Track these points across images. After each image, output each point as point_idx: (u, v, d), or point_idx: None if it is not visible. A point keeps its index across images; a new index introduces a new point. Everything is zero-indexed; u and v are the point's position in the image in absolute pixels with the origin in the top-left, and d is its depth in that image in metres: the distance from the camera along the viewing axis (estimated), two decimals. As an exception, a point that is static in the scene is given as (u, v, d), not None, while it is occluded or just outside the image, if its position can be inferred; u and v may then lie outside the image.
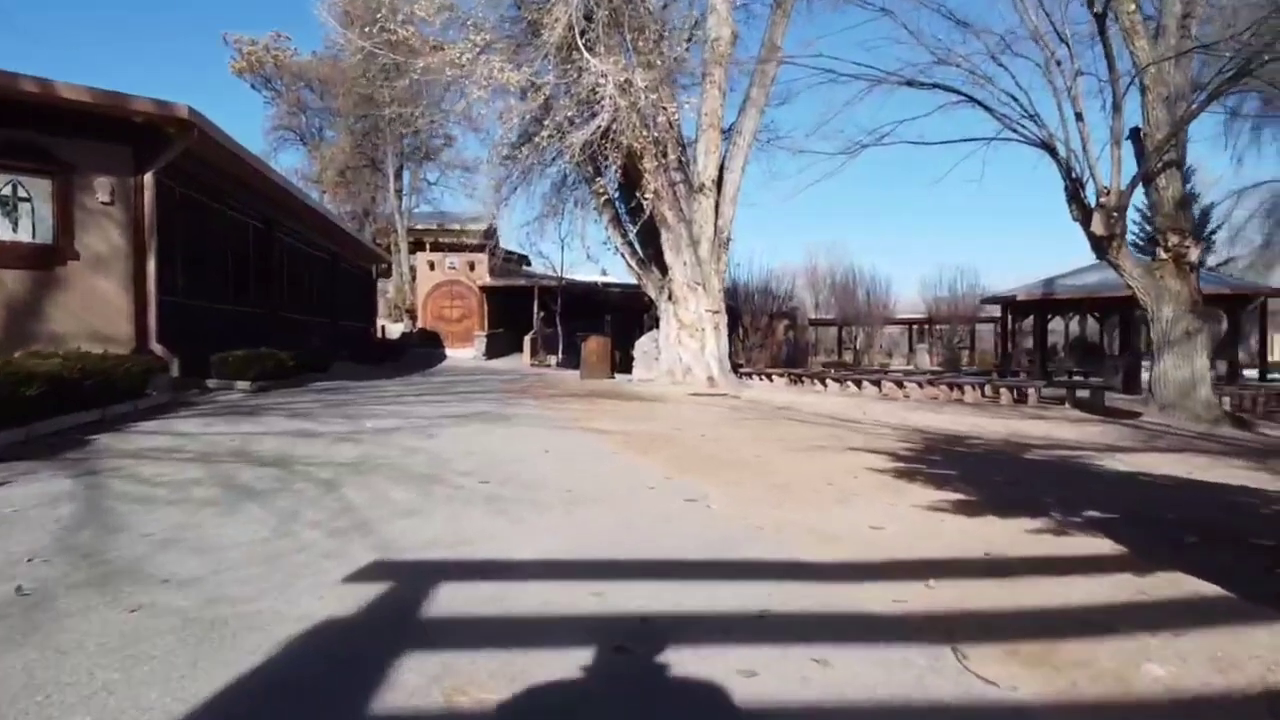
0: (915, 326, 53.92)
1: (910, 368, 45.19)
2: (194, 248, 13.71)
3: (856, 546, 4.02)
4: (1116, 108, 14.30)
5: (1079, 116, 14.80)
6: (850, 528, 4.43)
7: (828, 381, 22.65)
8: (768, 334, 38.54)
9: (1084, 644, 2.68)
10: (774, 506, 4.99)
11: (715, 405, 14.17)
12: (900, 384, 20.91)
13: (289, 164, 44.72)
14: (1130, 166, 14.79)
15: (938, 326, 50.26)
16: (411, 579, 3.36)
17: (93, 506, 4.50)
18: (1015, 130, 15.74)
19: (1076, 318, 41.39)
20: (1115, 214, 14.59)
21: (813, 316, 47.13)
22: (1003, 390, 19.35)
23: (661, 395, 15.63)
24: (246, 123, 65.49)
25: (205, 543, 3.85)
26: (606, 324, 37.39)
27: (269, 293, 17.30)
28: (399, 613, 3.02)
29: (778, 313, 41.36)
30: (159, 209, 11.45)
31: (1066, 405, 18.29)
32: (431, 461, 6.21)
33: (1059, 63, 14.89)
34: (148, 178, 11.13)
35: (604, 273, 34.40)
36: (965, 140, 16.59)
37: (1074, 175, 15.27)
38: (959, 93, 16.27)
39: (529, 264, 43.56)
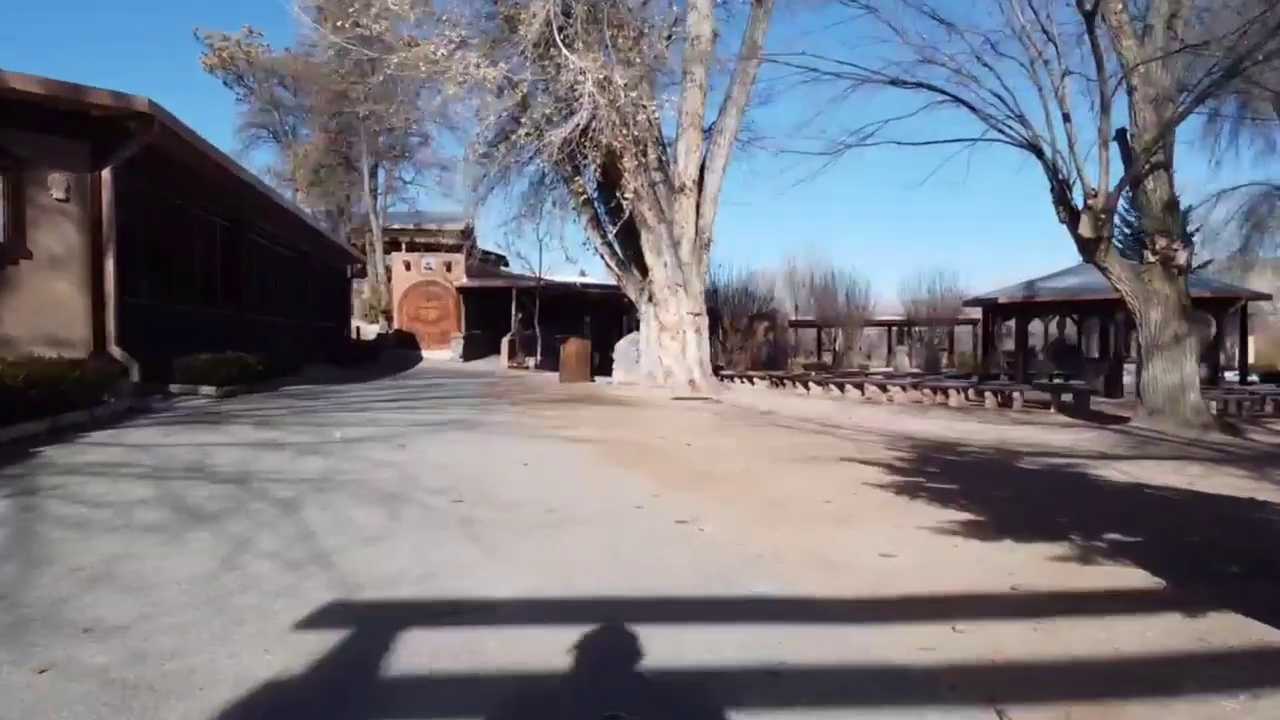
0: (894, 328, 53.98)
1: (890, 369, 45.06)
2: (157, 247, 13.19)
3: (867, 578, 3.66)
4: (1104, 108, 14.06)
5: (1066, 117, 14.55)
6: (857, 555, 4.07)
7: (810, 385, 22.36)
8: (748, 336, 38.29)
9: (1150, 708, 2.32)
10: (771, 528, 4.62)
11: (698, 410, 13.81)
12: (884, 387, 20.65)
13: (262, 162, 43.94)
14: (1118, 169, 14.57)
15: (917, 328, 50.26)
16: (373, 625, 2.96)
17: (21, 534, 4.05)
18: (1001, 131, 15.46)
19: (1055, 320, 41.36)
20: (1103, 216, 14.35)
21: (792, 318, 46.85)
22: (987, 394, 19.15)
23: (643, 400, 15.26)
24: (218, 122, 64.58)
25: (142, 579, 3.43)
26: (586, 325, 36.96)
27: (238, 294, 16.76)
28: (356, 670, 2.61)
29: (758, 314, 41.10)
30: (119, 206, 10.93)
31: (1052, 409, 18.07)
32: (401, 477, 5.80)
33: (1046, 62, 14.63)
34: (106, 174, 10.61)
35: (583, 274, 33.97)
36: (950, 141, 16.32)
37: (1061, 177, 15.02)
38: (944, 93, 15.99)
39: (507, 264, 43.04)
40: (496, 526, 4.51)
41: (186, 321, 14.15)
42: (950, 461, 8.65)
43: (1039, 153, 15.15)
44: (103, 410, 8.97)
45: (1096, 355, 36.31)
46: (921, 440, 10.94)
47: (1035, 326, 40.15)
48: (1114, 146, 14.45)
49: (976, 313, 49.55)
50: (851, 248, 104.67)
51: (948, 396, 19.48)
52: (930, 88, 16.09)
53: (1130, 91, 14.54)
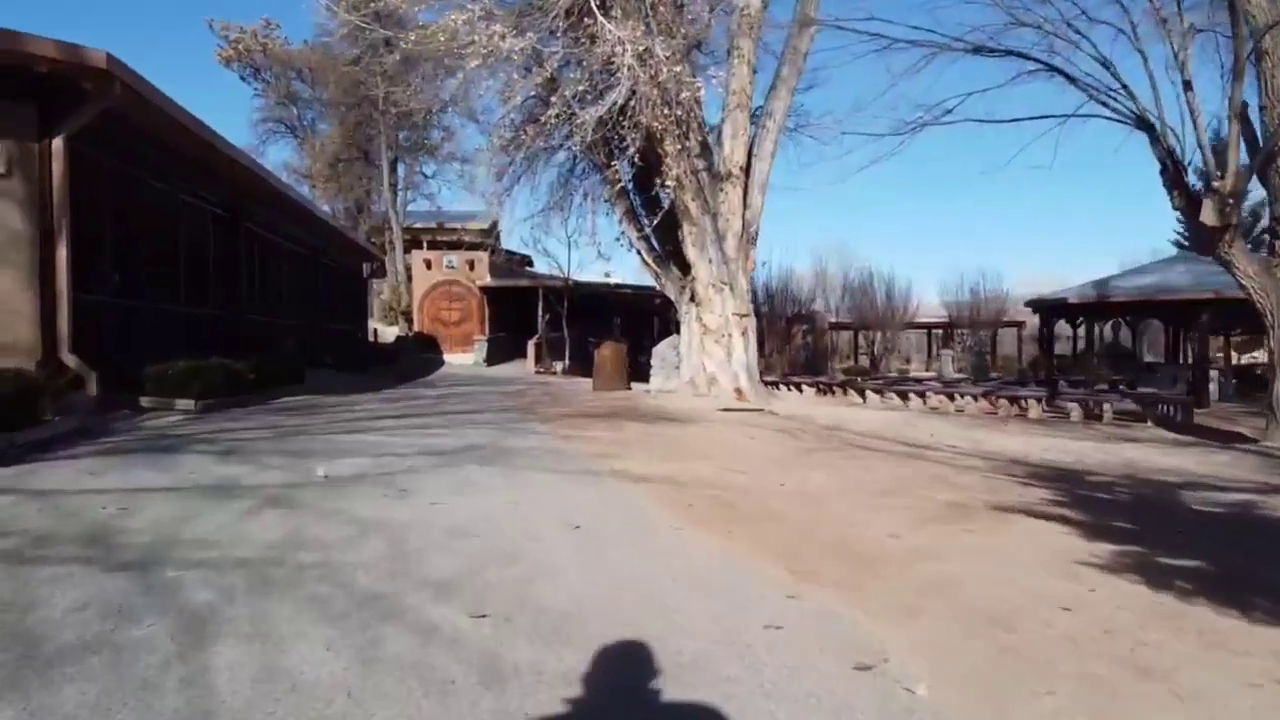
0: (932, 331, 51.67)
1: (931, 374, 42.89)
2: (130, 236, 11.35)
3: None
4: (1238, 73, 11.94)
5: (1187, 85, 12.45)
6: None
7: (866, 393, 20.29)
8: (787, 339, 36.26)
9: None
10: (1036, 693, 2.64)
11: (758, 426, 11.84)
12: (951, 396, 18.56)
13: (278, 158, 42.30)
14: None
15: (959, 331, 47.98)
16: None
17: None
18: (1105, 104, 13.40)
19: (1108, 323, 38.84)
20: (1230, 201, 12.21)
21: (832, 320, 44.69)
22: (1070, 404, 17.03)
23: (691, 413, 13.28)
24: (235, 117, 63.25)
25: None
26: (616, 327, 35.05)
27: (233, 293, 14.93)
28: None
29: (795, 316, 39.08)
30: (75, 184, 9.09)
31: (1148, 423, 15.99)
32: (393, 558, 3.84)
33: (1164, 20, 12.56)
34: (57, 144, 8.75)
35: (607, 275, 31.97)
36: (1039, 118, 14.21)
37: (1175, 157, 12.93)
38: (1037, 60, 13.93)
39: (532, 265, 41.25)
40: (545, 683, 2.55)
41: (167, 323, 12.32)
42: (1113, 504, 6.64)
43: (1149, 128, 13.05)
44: (36, 434, 7.10)
45: (1151, 360, 33.93)
46: (1038, 467, 8.95)
47: (1074, 330, 37.70)
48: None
49: (1021, 315, 47.48)
50: (884, 247, 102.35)
51: (1024, 407, 17.40)
52: (1021, 55, 14.01)
53: (1259, 58, 12.39)
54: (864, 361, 46.57)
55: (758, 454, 8.36)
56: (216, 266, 14.30)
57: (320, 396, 12.90)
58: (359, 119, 38.14)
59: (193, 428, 8.50)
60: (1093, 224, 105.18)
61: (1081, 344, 39.21)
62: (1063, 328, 33.81)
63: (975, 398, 18.31)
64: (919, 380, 27.42)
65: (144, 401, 9.75)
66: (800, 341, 38.76)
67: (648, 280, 21.55)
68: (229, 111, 72.35)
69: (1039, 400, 17.56)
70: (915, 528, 4.97)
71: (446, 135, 40.26)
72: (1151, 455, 10.90)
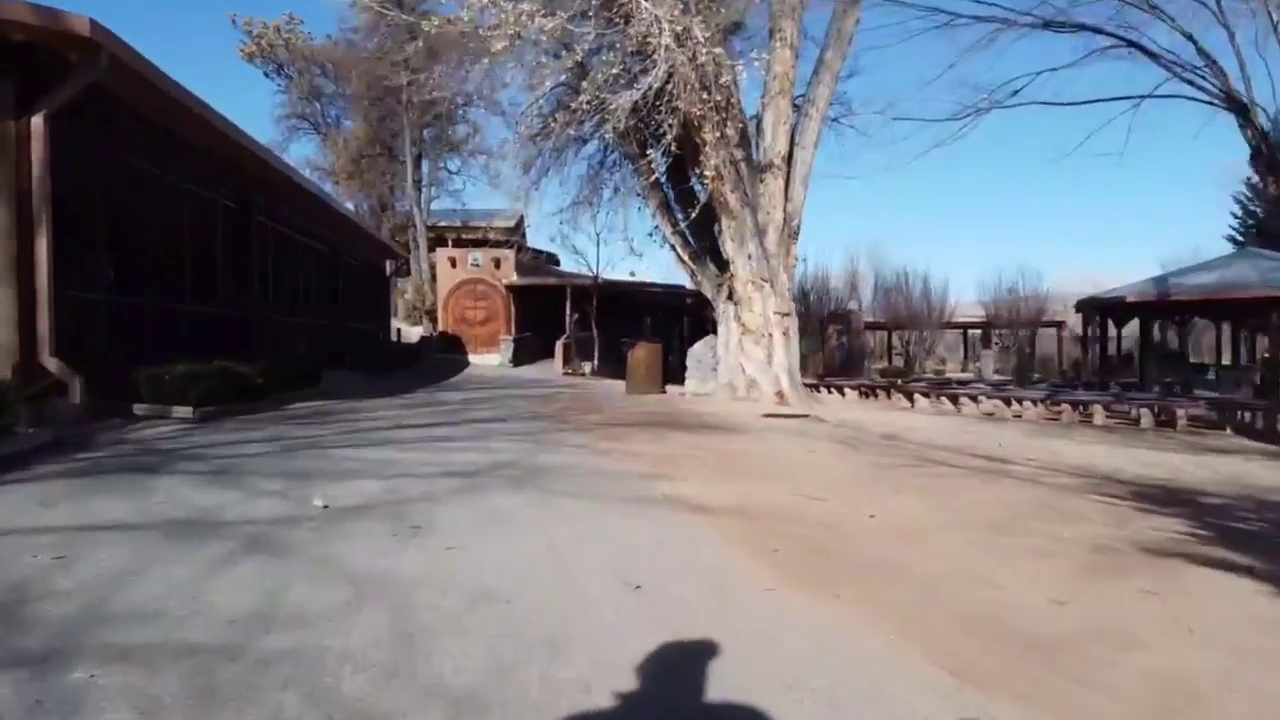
0: (970, 331, 50.20)
1: (968, 375, 41.49)
2: (128, 229, 10.42)
3: None
4: (1350, 41, 10.74)
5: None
6: None
7: (913, 396, 19.09)
8: (822, 339, 35.05)
9: None
10: None
11: (811, 436, 10.76)
12: (1007, 400, 17.33)
13: (301, 155, 41.51)
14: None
15: (998, 331, 46.49)
16: None
17: None
18: (1190, 82, 12.21)
19: (1157, 323, 37.11)
20: (1337, 185, 10.98)
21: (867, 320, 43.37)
22: (1140, 410, 15.77)
23: (735, 420, 12.21)
24: (258, 114, 62.77)
25: None
26: (646, 327, 33.98)
27: (244, 290, 14.00)
28: None
29: (830, 316, 37.87)
30: (60, 169, 8.17)
31: (1227, 430, 14.73)
32: (393, 641, 2.79)
33: (1260, -13, 11.36)
34: (36, 122, 7.81)
35: (632, 274, 30.90)
36: (1112, 100, 13.05)
37: (1269, 140, 11.71)
38: (1113, 35, 12.80)
39: (558, 263, 40.31)
40: None
41: (172, 323, 11.39)
42: (1264, 537, 5.50)
43: (1239, 109, 11.85)
44: (4, 448, 6.17)
45: (1197, 362, 32.33)
46: (1140, 486, 7.79)
47: (1114, 330, 36.12)
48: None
49: (1060, 315, 45.91)
50: (916, 243, 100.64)
51: (1087, 412, 16.17)
52: (1095, 30, 12.88)
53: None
54: (898, 362, 45.29)
55: (825, 472, 7.27)
56: (226, 262, 13.39)
57: (335, 402, 11.95)
58: (382, 114, 37.32)
59: (186, 440, 7.53)
60: (1129, 222, 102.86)
61: (1125, 345, 37.82)
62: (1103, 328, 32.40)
63: (1034, 402, 17.06)
64: (964, 383, 26.16)
65: (137, 409, 8.83)
66: (835, 342, 37.57)
67: (676, 279, 20.55)
68: (252, 109, 71.92)
69: (1104, 405, 16.30)
70: (1070, 585, 3.85)
71: (472, 130, 39.36)
72: (1253, 469, 9.73)
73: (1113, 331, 37.21)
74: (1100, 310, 26.36)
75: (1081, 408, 16.48)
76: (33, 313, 7.83)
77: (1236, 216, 34.50)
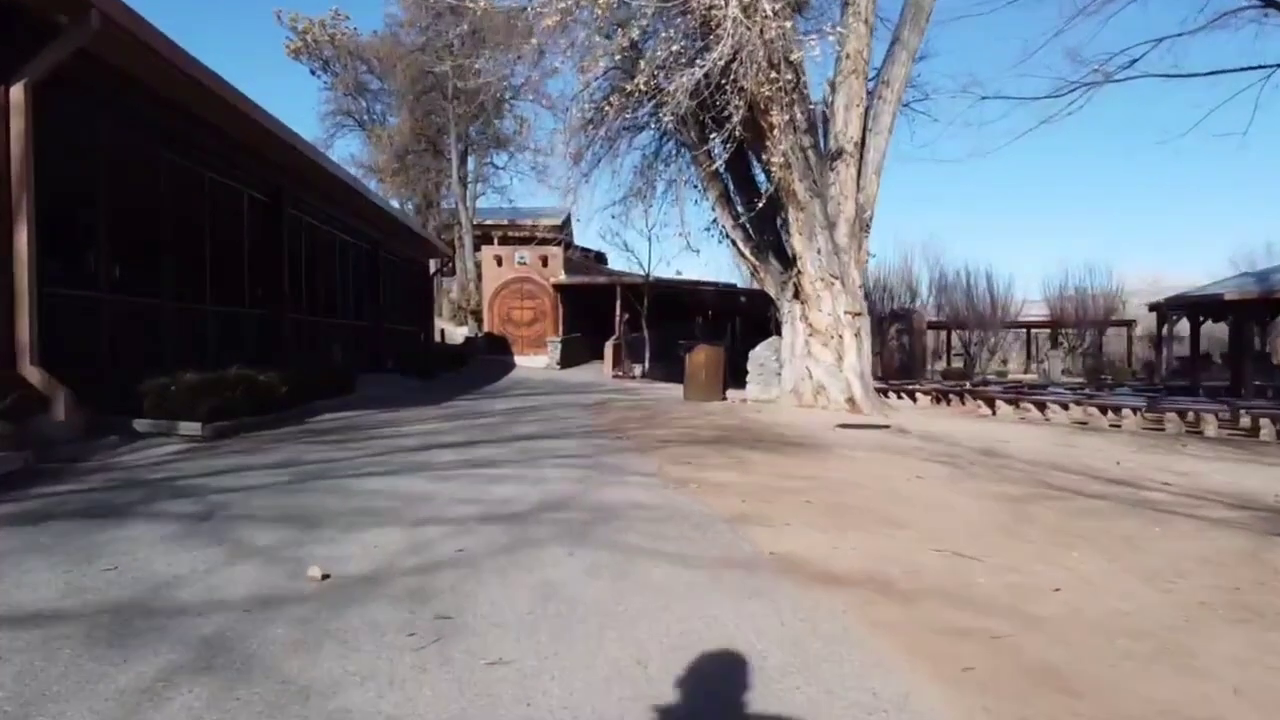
0: (1033, 331, 48.06)
1: (1032, 377, 39.54)
2: (139, 220, 9.36)
3: None
4: None
5: None
6: None
7: (995, 403, 17.49)
8: (883, 340, 33.33)
9: None
10: None
11: (902, 453, 9.36)
12: (1105, 409, 15.67)
13: (345, 152, 40.89)
14: None
15: (1064, 331, 44.34)
16: None
17: None
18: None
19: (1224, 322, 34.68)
20: None
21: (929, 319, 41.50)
22: (1261, 419, 14.03)
23: (810, 432, 10.85)
24: (305, 112, 62.47)
25: None
26: (697, 328, 32.70)
27: (274, 290, 12.91)
28: None
29: (891, 315, 36.18)
30: (50, 149, 7.08)
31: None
32: None
33: None
34: (15, 92, 6.68)
35: (678, 272, 29.64)
36: (1243, 69, 11.41)
37: None
38: (1247, -5, 11.18)
39: (605, 261, 39.20)
40: None
41: (191, 326, 10.32)
42: None
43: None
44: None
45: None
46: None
47: (1183, 329, 33.87)
48: None
49: (1130, 313, 43.66)
50: (972, 237, 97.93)
51: (1196, 422, 14.52)
52: (1227, -12, 11.26)
53: None
54: (957, 363, 43.42)
55: (950, 510, 5.86)
56: (254, 259, 12.30)
57: (369, 412, 10.78)
58: (428, 109, 36.46)
59: (182, 466, 6.36)
60: (1191, 218, 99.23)
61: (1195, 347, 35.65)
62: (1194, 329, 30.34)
63: (1134, 410, 15.38)
64: (1038, 387, 24.39)
65: (139, 425, 7.71)
66: (896, 343, 35.81)
67: (725, 277, 19.21)
68: (297, 106, 71.75)
69: (1216, 415, 14.59)
70: None
71: (519, 125, 38.35)
72: None
73: (1184, 332, 35.18)
74: (1190, 309, 24.44)
75: (1187, 416, 14.82)
76: (10, 315, 6.71)
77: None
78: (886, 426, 12.61)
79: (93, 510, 4.73)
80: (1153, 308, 32.98)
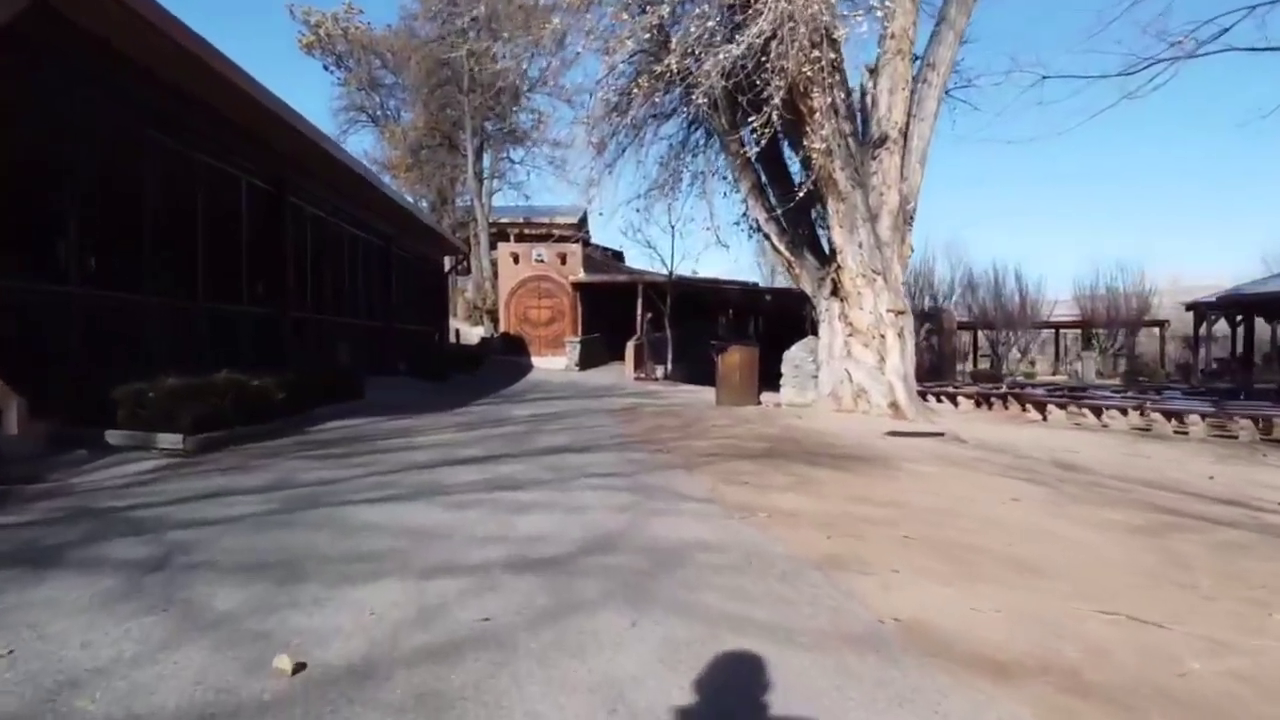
0: (1063, 331, 46.72)
1: (1062, 378, 38.30)
2: (119, 208, 8.38)
3: None
4: None
5: None
6: None
7: (1047, 407, 16.34)
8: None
9: None
10: None
11: (973, 468, 8.30)
12: (1170, 415, 14.50)
13: (359, 148, 39.91)
14: None
15: (1096, 331, 43.03)
16: None
17: None
18: None
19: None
20: None
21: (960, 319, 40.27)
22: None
23: (861, 441, 9.81)
24: (319, 108, 61.60)
25: None
26: (721, 327, 31.62)
27: (276, 286, 11.93)
28: None
29: (921, 315, 34.98)
30: (3, 120, 6.10)
31: None
32: None
33: None
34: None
35: (694, 271, 28.58)
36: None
37: None
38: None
39: (622, 260, 38.20)
40: None
41: (182, 326, 9.33)
42: None
43: None
44: None
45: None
46: None
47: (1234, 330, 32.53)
48: None
49: (1163, 313, 42.30)
50: (994, 235, 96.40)
51: (1269, 427, 13.40)
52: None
53: None
54: (983, 364, 42.26)
55: (1076, 545, 4.78)
56: (254, 253, 11.31)
57: (378, 419, 9.78)
58: (443, 103, 35.51)
59: (151, 488, 5.35)
60: (1210, 218, 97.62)
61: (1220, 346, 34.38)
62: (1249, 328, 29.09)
63: (1201, 416, 14.23)
64: (1078, 389, 23.18)
65: (111, 437, 6.71)
66: (925, 344, 34.60)
67: (743, 275, 18.21)
68: (311, 102, 71.01)
69: (1288, 421, 13.42)
70: None
71: (536, 119, 37.39)
72: None
73: (1220, 332, 33.92)
74: (1245, 307, 23.20)
75: (1261, 422, 13.67)
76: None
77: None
78: (940, 434, 11.55)
79: (16, 556, 3.72)
80: (1189, 306, 31.76)
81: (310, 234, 13.55)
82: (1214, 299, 25.80)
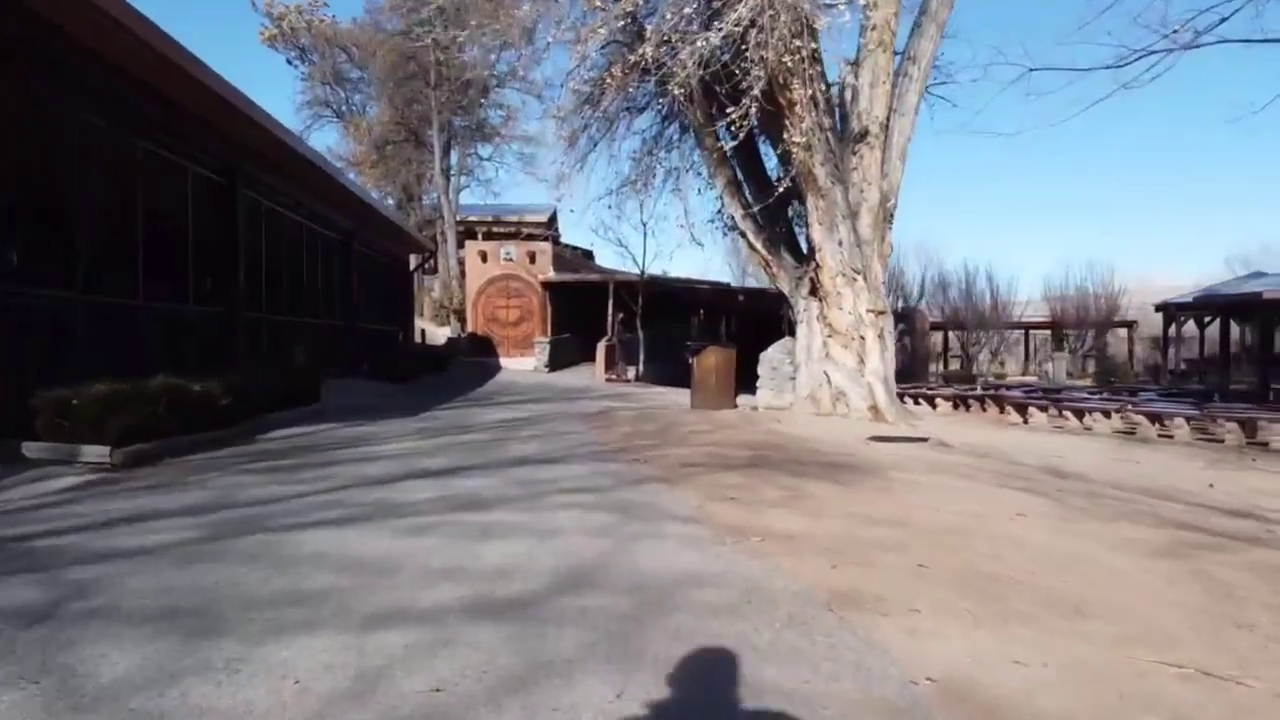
0: (1032, 332, 46.73)
1: (1033, 379, 38.22)
2: (38, 195, 7.69)
3: None
4: None
5: None
6: None
7: (1029, 410, 15.97)
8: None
9: None
10: None
11: (966, 475, 7.88)
12: (1157, 418, 14.17)
13: (323, 144, 39.04)
14: None
15: (1066, 332, 43.11)
16: None
17: None
18: None
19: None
20: None
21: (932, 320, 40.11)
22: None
23: (847, 448, 9.35)
24: (282, 104, 60.36)
25: None
26: (693, 327, 31.12)
27: (227, 284, 11.21)
28: None
29: (895, 315, 34.75)
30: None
31: None
32: None
33: None
34: None
35: (664, 271, 28.14)
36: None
37: None
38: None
39: (592, 259, 37.65)
40: None
41: (123, 326, 8.61)
42: None
43: None
44: None
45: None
46: None
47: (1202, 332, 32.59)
48: None
49: (1130, 313, 42.41)
50: (960, 234, 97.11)
51: (1254, 433, 13.09)
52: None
53: None
54: (954, 365, 42.20)
55: (1107, 572, 4.27)
56: (202, 248, 10.60)
57: (334, 425, 9.14)
58: (409, 97, 34.69)
59: (64, 510, 4.70)
60: (1178, 221, 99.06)
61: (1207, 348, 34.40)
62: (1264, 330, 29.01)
63: (1186, 419, 13.91)
64: (1053, 390, 22.92)
65: (30, 450, 6.03)
66: (899, 344, 34.25)
67: (714, 275, 17.82)
68: (274, 97, 69.57)
69: (1282, 424, 13.09)
70: None
71: (505, 114, 36.70)
72: None
73: (1189, 332, 33.98)
74: (1218, 309, 23.09)
75: (1247, 426, 13.36)
76: None
77: None
78: (924, 439, 11.12)
79: None
80: (1159, 307, 31.76)
81: (266, 228, 12.82)
82: (1190, 299, 25.70)
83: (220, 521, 4.59)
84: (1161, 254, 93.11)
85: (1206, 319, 28.87)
